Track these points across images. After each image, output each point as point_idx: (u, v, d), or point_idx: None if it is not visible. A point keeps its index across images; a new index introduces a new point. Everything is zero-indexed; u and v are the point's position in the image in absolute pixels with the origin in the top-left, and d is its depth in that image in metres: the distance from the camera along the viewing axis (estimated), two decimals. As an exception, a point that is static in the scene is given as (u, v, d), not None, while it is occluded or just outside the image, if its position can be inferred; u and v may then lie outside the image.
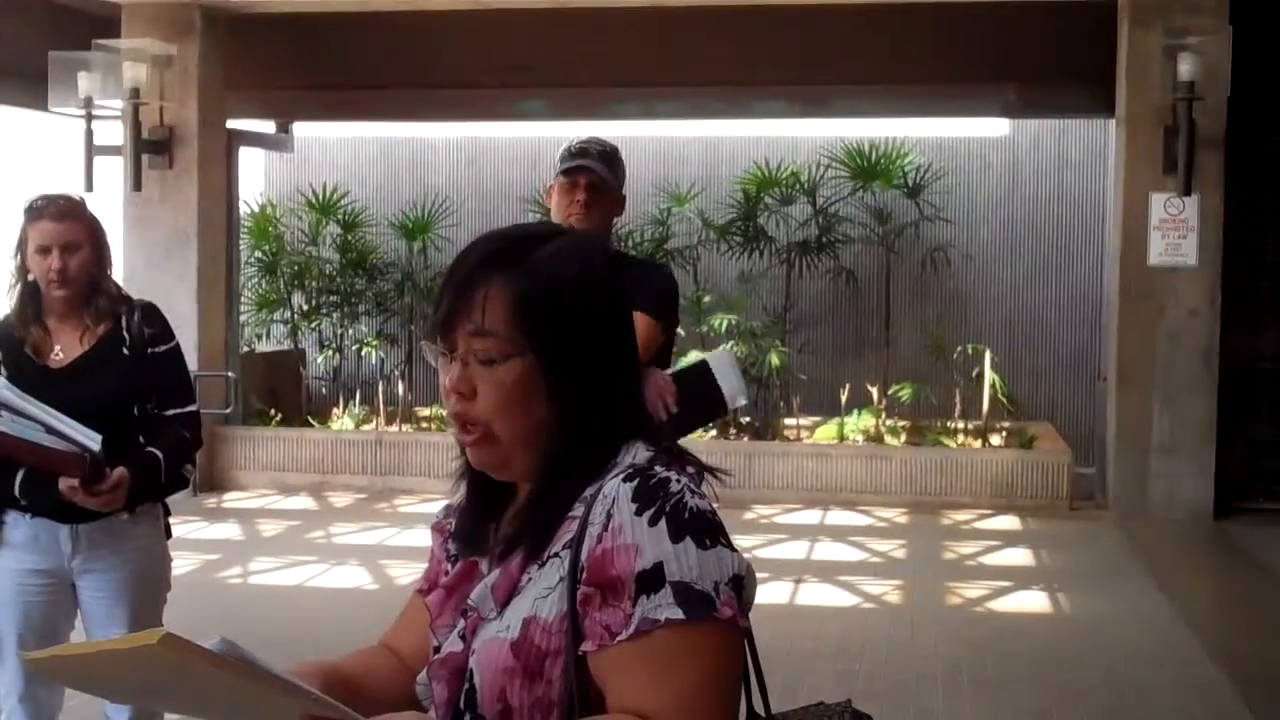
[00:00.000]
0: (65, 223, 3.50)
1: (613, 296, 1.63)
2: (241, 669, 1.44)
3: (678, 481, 1.53)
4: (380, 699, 1.66)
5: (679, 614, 1.46)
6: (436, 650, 1.63)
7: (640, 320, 3.49)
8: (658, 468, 1.55)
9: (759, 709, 1.68)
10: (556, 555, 1.54)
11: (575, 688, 1.51)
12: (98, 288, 3.57)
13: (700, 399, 3.78)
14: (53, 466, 3.34)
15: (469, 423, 1.58)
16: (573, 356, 1.57)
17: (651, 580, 1.47)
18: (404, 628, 1.79)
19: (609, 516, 1.51)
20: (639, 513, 1.50)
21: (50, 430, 3.31)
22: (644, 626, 1.46)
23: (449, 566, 1.69)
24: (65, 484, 3.34)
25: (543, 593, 1.53)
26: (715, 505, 1.56)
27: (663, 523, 1.49)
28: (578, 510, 1.54)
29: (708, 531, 1.51)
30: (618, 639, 1.47)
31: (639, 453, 1.58)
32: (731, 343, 10.78)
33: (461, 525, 1.69)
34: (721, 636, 1.49)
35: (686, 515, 1.50)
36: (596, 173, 3.62)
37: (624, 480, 1.53)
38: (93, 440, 3.33)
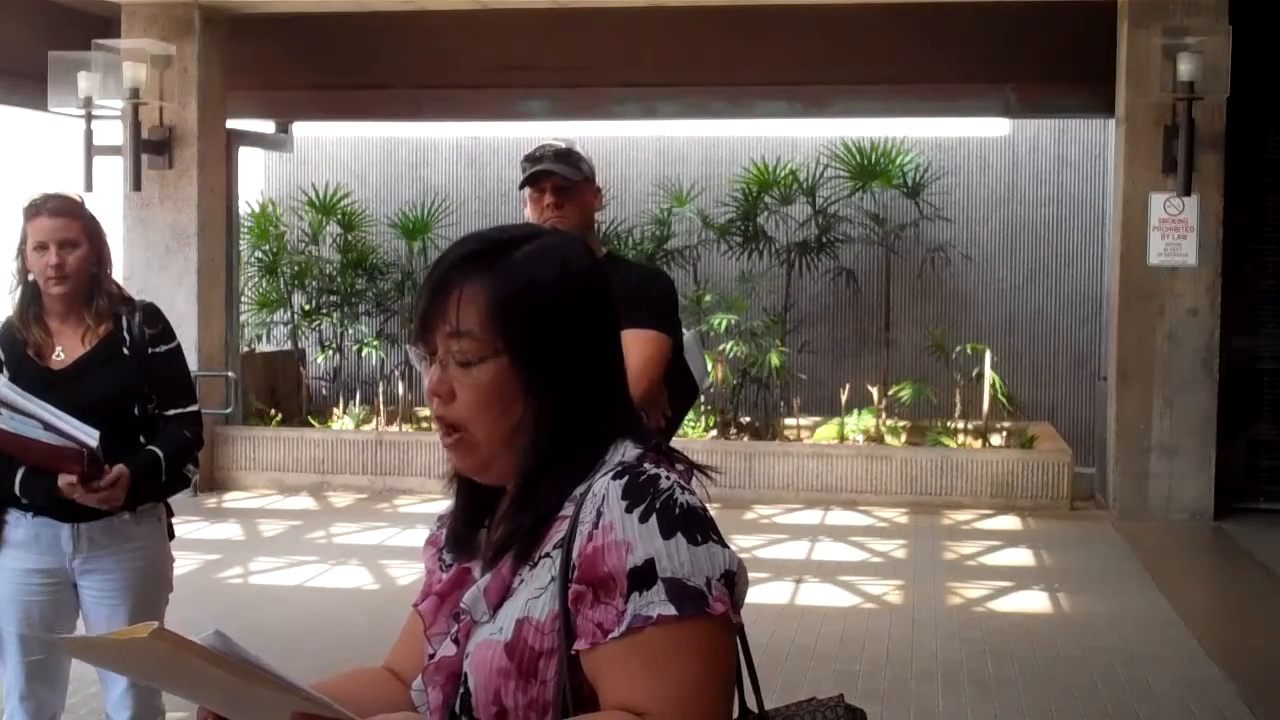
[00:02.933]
0: (62, 219, 3.50)
1: (594, 297, 1.61)
2: (233, 665, 1.45)
3: (667, 478, 1.53)
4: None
5: (671, 610, 1.46)
6: (432, 657, 1.62)
7: (652, 339, 3.48)
8: (646, 465, 1.55)
9: (752, 706, 1.69)
10: (548, 555, 1.54)
11: (569, 687, 1.51)
12: (98, 287, 3.57)
13: (680, 390, 3.77)
14: (51, 462, 3.34)
15: (449, 426, 1.59)
16: (550, 357, 1.56)
17: (643, 577, 1.47)
18: (404, 646, 1.77)
19: (599, 514, 1.50)
20: (629, 510, 1.49)
21: (48, 427, 3.31)
22: (636, 624, 1.46)
23: (442, 576, 1.68)
24: (64, 480, 3.35)
25: (535, 593, 1.53)
26: (706, 502, 1.56)
27: (653, 519, 1.49)
28: (568, 510, 1.54)
29: (699, 527, 1.50)
30: (610, 636, 1.47)
31: (628, 451, 1.58)
32: (732, 342, 10.79)
33: (453, 530, 1.69)
34: (714, 633, 1.49)
35: (677, 511, 1.50)
36: (557, 173, 3.62)
37: (613, 478, 1.52)
38: (90, 436, 3.33)
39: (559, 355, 1.56)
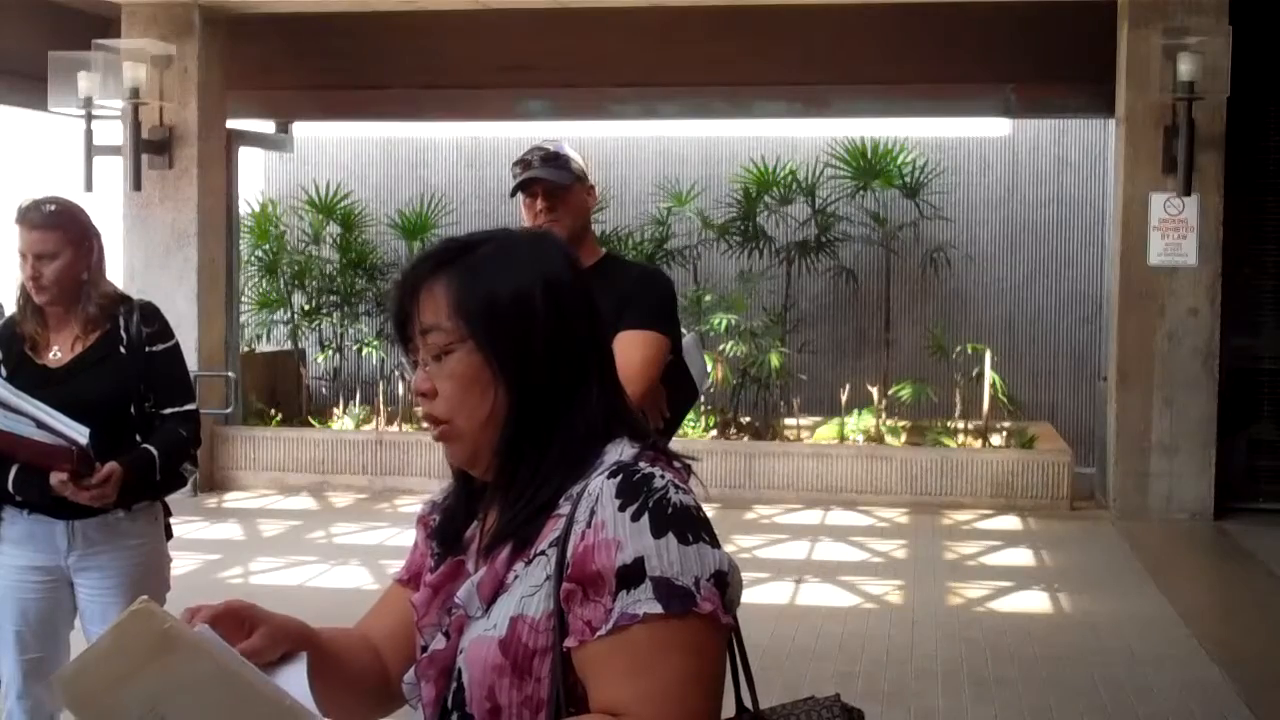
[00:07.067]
0: (39, 232, 3.48)
1: (563, 291, 1.62)
2: (222, 654, 1.45)
3: (661, 477, 1.54)
4: (353, 678, 1.70)
5: (658, 609, 1.46)
6: (424, 650, 1.63)
7: (650, 339, 3.49)
8: (642, 464, 1.56)
9: (748, 704, 1.68)
10: (543, 553, 1.54)
11: (562, 685, 1.51)
12: (87, 294, 3.55)
13: (679, 391, 3.77)
14: (41, 460, 3.35)
15: (435, 421, 1.63)
16: (513, 342, 1.58)
17: (632, 575, 1.47)
18: (379, 612, 1.81)
19: (592, 513, 1.51)
20: (622, 508, 1.50)
21: (40, 425, 3.31)
22: (623, 621, 1.46)
23: (432, 563, 1.70)
24: (56, 478, 3.35)
25: (529, 590, 1.54)
26: (702, 502, 1.56)
27: (645, 518, 1.49)
28: (564, 508, 1.55)
29: (690, 527, 1.50)
30: (598, 634, 1.47)
31: (625, 450, 1.59)
32: (732, 342, 10.79)
33: (444, 525, 1.71)
34: (702, 632, 1.49)
35: (669, 510, 1.50)
36: (546, 179, 3.63)
37: (608, 477, 1.53)
38: (81, 434, 3.33)
39: (523, 341, 1.58)
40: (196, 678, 1.46)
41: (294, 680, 1.56)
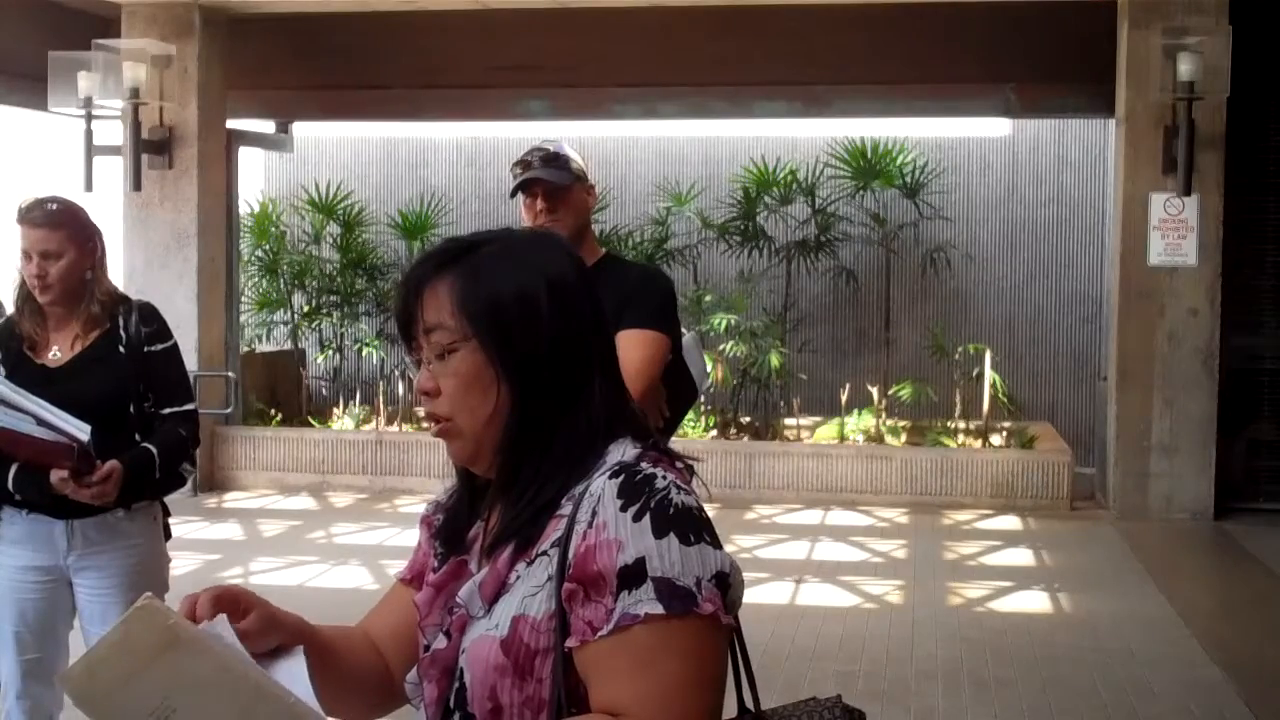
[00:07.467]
0: (42, 230, 3.48)
1: (567, 291, 1.62)
2: (223, 653, 1.46)
3: (663, 478, 1.54)
4: (354, 677, 1.71)
5: (659, 609, 1.46)
6: (426, 649, 1.63)
7: (651, 338, 3.50)
8: (644, 464, 1.56)
9: (749, 705, 1.68)
10: (545, 553, 1.54)
11: (564, 686, 1.51)
12: (90, 292, 3.55)
13: (679, 390, 3.77)
14: (42, 458, 3.34)
15: (437, 419, 1.64)
16: (517, 341, 1.58)
17: (633, 575, 1.47)
18: (382, 611, 1.82)
19: (594, 513, 1.51)
20: (624, 509, 1.50)
21: (40, 422, 3.31)
22: (624, 621, 1.46)
23: (436, 563, 1.70)
24: (56, 476, 3.35)
25: (531, 591, 1.54)
26: (704, 503, 1.56)
27: (647, 518, 1.49)
28: (566, 508, 1.55)
29: (692, 528, 1.51)
30: (599, 634, 1.48)
31: (627, 450, 1.59)
32: (732, 342, 10.79)
33: (447, 524, 1.72)
34: (703, 633, 1.49)
35: (671, 511, 1.50)
36: (546, 180, 3.64)
37: (610, 477, 1.53)
38: (81, 431, 3.32)
39: (526, 340, 1.59)
40: (202, 674, 1.46)
41: (294, 675, 1.56)
